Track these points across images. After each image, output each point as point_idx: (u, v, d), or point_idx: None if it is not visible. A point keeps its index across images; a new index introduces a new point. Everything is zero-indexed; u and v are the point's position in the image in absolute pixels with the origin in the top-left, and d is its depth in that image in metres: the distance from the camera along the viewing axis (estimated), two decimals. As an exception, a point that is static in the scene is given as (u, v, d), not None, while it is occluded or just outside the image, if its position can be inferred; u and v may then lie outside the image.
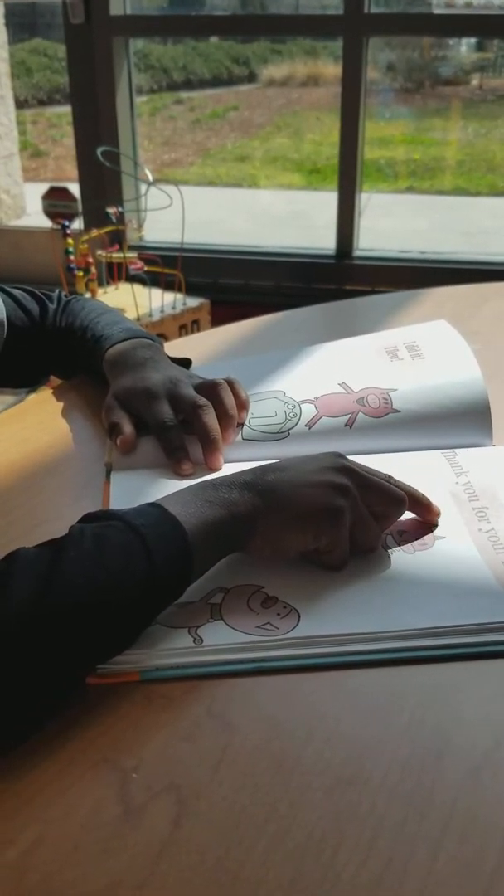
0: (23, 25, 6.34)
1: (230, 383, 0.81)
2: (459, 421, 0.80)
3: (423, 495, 0.69)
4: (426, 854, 0.43)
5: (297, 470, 0.65)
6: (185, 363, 0.91)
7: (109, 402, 0.83)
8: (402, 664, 0.55)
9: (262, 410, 0.82)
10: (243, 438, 0.80)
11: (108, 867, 0.42)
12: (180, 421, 0.79)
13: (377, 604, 0.61)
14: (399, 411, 0.80)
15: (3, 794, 0.46)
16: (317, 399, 0.82)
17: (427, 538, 0.68)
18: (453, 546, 0.67)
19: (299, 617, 0.59)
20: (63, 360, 0.96)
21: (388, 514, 0.66)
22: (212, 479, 0.63)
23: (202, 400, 0.78)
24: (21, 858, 0.43)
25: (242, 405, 0.81)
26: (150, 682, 0.54)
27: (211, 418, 0.77)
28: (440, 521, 0.69)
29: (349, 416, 0.80)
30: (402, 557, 0.66)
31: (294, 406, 0.82)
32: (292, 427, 0.80)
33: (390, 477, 0.68)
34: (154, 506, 0.59)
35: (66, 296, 1.01)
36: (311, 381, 0.85)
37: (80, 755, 0.49)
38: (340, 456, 0.67)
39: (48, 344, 0.95)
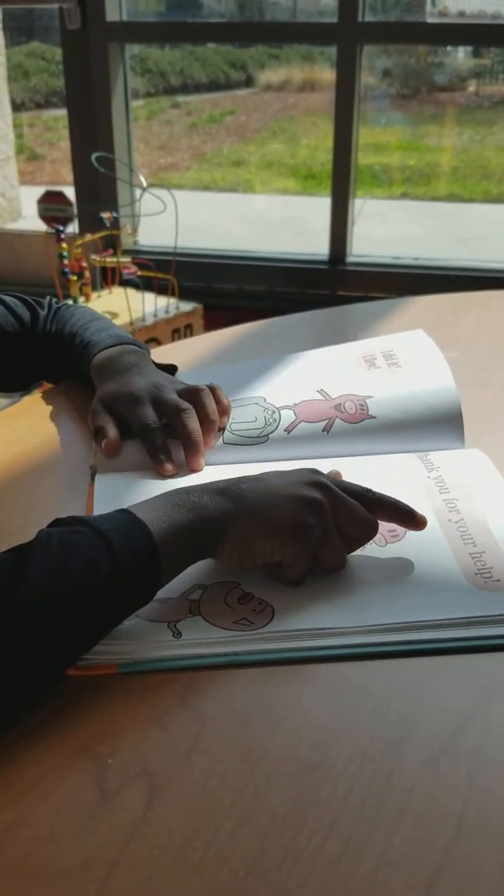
0: (20, 29, 6.36)
1: (213, 389, 0.84)
2: (433, 426, 0.83)
3: (407, 506, 0.68)
4: (382, 836, 0.45)
5: (272, 481, 0.66)
6: (171, 369, 0.93)
7: (95, 407, 0.85)
8: (369, 658, 0.58)
9: (242, 415, 0.85)
10: (224, 442, 0.82)
11: (83, 847, 0.45)
12: (163, 425, 0.81)
13: (349, 599, 0.64)
14: (375, 417, 0.83)
15: (-16, 778, 0.49)
16: (296, 405, 0.85)
17: (398, 529, 0.70)
18: (423, 537, 0.69)
19: (273, 612, 0.62)
20: (53, 365, 0.99)
21: (360, 536, 0.67)
22: (185, 486, 0.65)
23: (185, 404, 0.81)
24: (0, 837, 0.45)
25: (224, 410, 0.84)
26: (128, 675, 0.56)
27: (193, 421, 0.80)
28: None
29: (327, 421, 0.83)
30: (374, 551, 0.68)
31: (273, 412, 0.84)
32: (272, 432, 0.83)
33: (369, 490, 0.68)
34: (123, 511, 0.60)
35: (56, 302, 1.04)
36: (291, 388, 0.88)
37: (59, 742, 0.51)
38: (318, 472, 0.68)
39: (39, 349, 0.98)
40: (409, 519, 0.68)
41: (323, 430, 0.82)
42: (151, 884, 0.43)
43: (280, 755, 0.51)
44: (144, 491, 0.76)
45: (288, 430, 0.83)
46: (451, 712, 0.54)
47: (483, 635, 0.60)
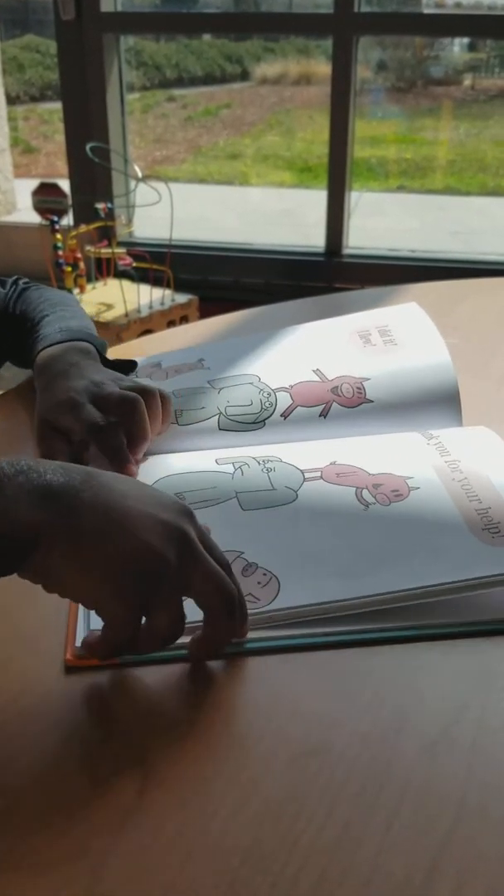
0: (15, 22, 6.33)
1: (162, 395, 0.78)
2: (430, 407, 0.82)
3: (243, 610, 0.56)
4: (382, 822, 0.44)
5: (133, 489, 0.54)
6: (128, 366, 0.88)
7: (38, 429, 0.77)
8: (372, 644, 0.57)
9: (237, 398, 0.83)
10: (220, 428, 0.81)
11: (74, 834, 0.44)
12: (114, 422, 0.74)
13: (356, 566, 0.62)
14: (372, 401, 0.82)
15: (-26, 765, 0.48)
16: (291, 387, 0.84)
17: (402, 488, 0.69)
18: (428, 495, 0.68)
19: (279, 586, 0.60)
20: (17, 349, 0.92)
21: (210, 606, 0.53)
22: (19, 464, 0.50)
23: (130, 394, 0.75)
24: (-11, 825, 0.44)
25: (168, 415, 0.79)
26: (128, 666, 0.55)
27: (141, 411, 0.74)
28: (414, 472, 0.71)
29: (324, 405, 0.82)
30: (379, 511, 0.67)
31: (269, 394, 0.83)
32: (268, 417, 0.81)
33: (230, 567, 0.56)
34: None
35: (25, 283, 0.98)
36: (286, 368, 0.87)
37: (52, 728, 0.50)
38: (188, 510, 0.55)
39: (2, 330, 0.93)
40: (234, 624, 0.55)
41: (320, 415, 0.81)
42: (145, 872, 0.42)
43: (275, 741, 0.49)
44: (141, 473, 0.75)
45: (284, 415, 0.81)
46: (449, 699, 0.53)
47: (486, 619, 0.59)
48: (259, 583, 0.60)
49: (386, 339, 0.90)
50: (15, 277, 0.98)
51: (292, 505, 0.68)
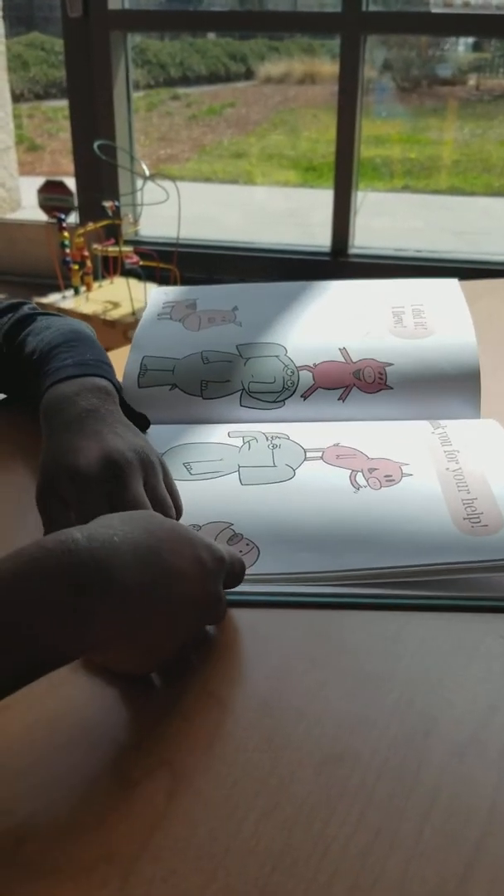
0: (20, 19, 6.33)
1: (178, 507, 0.66)
2: (448, 400, 0.83)
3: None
4: (413, 828, 0.44)
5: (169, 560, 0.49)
6: (142, 423, 0.77)
7: (39, 488, 0.63)
8: (347, 608, 0.57)
9: (261, 374, 0.84)
10: (241, 405, 0.82)
11: (104, 839, 0.44)
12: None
13: (336, 543, 0.64)
14: (392, 388, 0.83)
15: (1, 768, 0.47)
16: (315, 366, 0.84)
17: (395, 474, 0.71)
18: (418, 482, 0.70)
19: (258, 555, 0.63)
20: (17, 385, 0.82)
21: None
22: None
23: (148, 509, 0.60)
24: (19, 828, 0.44)
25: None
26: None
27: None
28: (411, 459, 0.73)
29: (343, 389, 0.83)
30: (368, 494, 0.69)
31: (293, 372, 0.84)
32: (288, 396, 0.82)
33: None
34: None
35: (31, 308, 0.86)
36: (313, 343, 0.87)
37: (78, 732, 0.50)
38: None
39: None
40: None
41: (339, 399, 0.82)
42: (175, 877, 0.42)
43: (304, 745, 0.49)
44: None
45: (304, 395, 0.82)
46: (476, 703, 0.52)
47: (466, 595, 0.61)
48: (241, 551, 0.63)
49: (417, 322, 0.89)
50: (13, 302, 0.86)
51: (288, 483, 0.71)
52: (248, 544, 0.64)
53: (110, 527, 0.48)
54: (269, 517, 0.67)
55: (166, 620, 0.49)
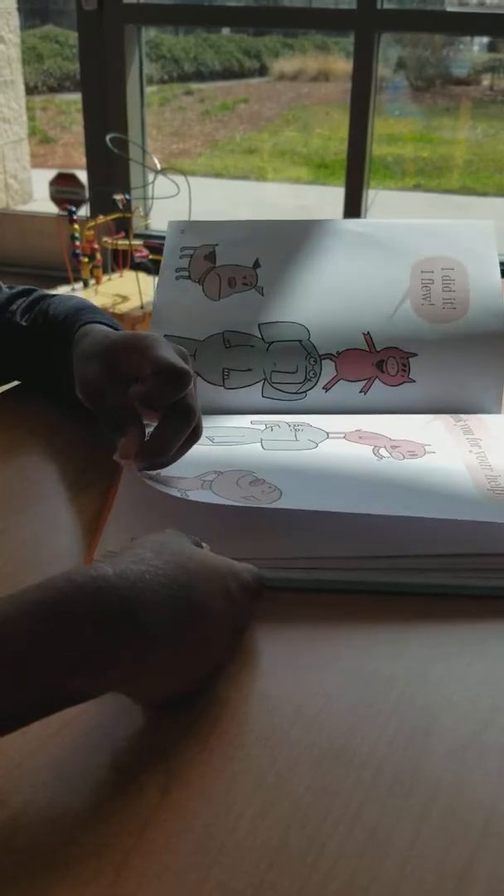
0: (34, 11, 6.33)
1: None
2: (470, 395, 0.83)
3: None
4: (410, 827, 0.44)
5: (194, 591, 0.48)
6: None
7: (91, 382, 0.68)
8: (366, 592, 0.56)
9: (284, 362, 0.83)
10: (263, 396, 0.82)
11: (97, 831, 0.43)
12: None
13: (358, 489, 0.66)
14: (414, 381, 0.83)
15: (-5, 758, 0.47)
16: (338, 355, 0.83)
17: (418, 451, 0.72)
18: (442, 458, 0.71)
19: (281, 494, 0.64)
20: (31, 357, 0.85)
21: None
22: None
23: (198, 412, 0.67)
24: (11, 820, 0.43)
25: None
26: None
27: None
28: (432, 440, 0.74)
29: (366, 381, 0.83)
30: (391, 463, 0.70)
31: (315, 361, 0.83)
32: (310, 388, 0.82)
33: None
34: None
35: (39, 294, 0.90)
36: (337, 326, 0.85)
37: (73, 721, 0.49)
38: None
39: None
40: None
41: (360, 392, 0.82)
42: (168, 872, 0.41)
43: (302, 741, 0.49)
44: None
45: (326, 387, 0.82)
46: (478, 702, 0.52)
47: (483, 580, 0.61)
48: (263, 492, 0.64)
49: (446, 300, 0.85)
50: (25, 287, 0.90)
51: (311, 451, 0.72)
52: (270, 486, 0.64)
53: (142, 561, 0.46)
54: (292, 468, 0.68)
55: (188, 660, 0.48)
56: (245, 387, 0.82)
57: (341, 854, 0.42)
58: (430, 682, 0.53)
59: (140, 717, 0.50)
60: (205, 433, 0.71)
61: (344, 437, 0.75)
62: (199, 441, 0.69)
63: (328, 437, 0.75)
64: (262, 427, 0.77)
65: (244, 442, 0.74)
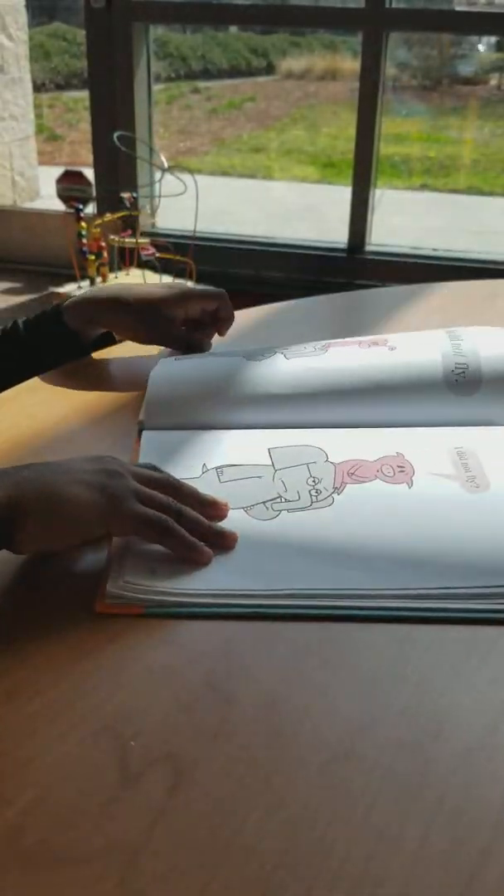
0: (42, 9, 6.33)
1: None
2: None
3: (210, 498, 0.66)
4: (418, 832, 0.43)
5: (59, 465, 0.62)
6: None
7: (145, 322, 0.93)
8: (402, 639, 0.56)
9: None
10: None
11: (105, 831, 0.43)
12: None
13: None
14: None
15: (2, 757, 0.47)
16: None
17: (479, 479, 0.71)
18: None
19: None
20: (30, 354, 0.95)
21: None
22: None
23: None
24: (19, 819, 0.43)
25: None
26: (150, 652, 0.54)
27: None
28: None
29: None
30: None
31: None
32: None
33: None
34: None
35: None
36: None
37: (81, 721, 0.49)
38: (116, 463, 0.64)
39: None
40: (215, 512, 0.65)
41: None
42: (175, 873, 0.41)
43: (309, 743, 0.48)
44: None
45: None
46: (486, 705, 0.51)
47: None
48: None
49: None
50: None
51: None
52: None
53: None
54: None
55: (54, 532, 0.60)
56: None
57: (349, 856, 0.42)
58: (439, 685, 0.53)
59: (147, 717, 0.50)
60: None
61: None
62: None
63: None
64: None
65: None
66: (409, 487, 0.69)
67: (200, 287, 0.93)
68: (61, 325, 0.93)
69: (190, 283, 2.54)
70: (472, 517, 0.66)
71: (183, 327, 0.96)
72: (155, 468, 0.67)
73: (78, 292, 2.59)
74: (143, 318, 0.92)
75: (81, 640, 0.56)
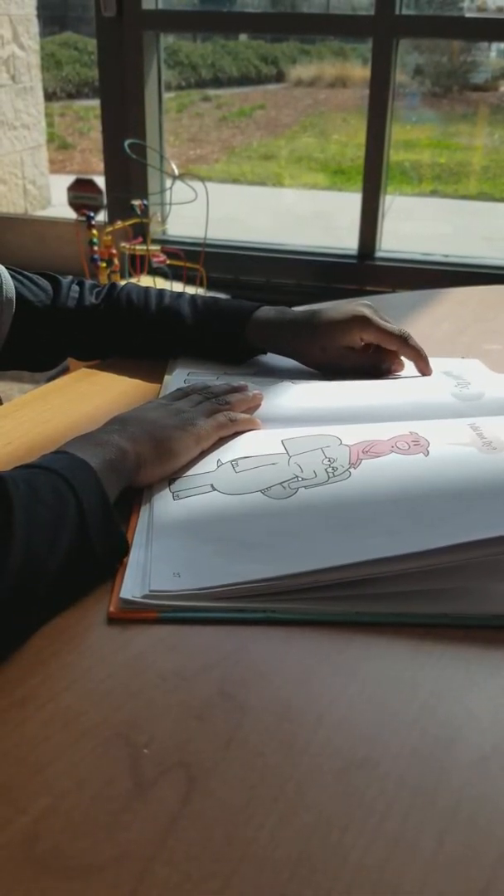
0: (53, 18, 6.37)
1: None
2: None
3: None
4: (433, 839, 0.43)
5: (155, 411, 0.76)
6: None
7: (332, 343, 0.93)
8: (413, 646, 0.56)
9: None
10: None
11: (118, 839, 0.43)
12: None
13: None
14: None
15: (16, 764, 0.47)
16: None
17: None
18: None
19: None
20: (108, 338, 0.99)
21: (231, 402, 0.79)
22: (92, 431, 0.71)
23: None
24: (32, 827, 0.43)
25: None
26: (163, 661, 0.54)
27: None
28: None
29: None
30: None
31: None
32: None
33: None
34: (61, 453, 0.66)
35: (93, 283, 1.03)
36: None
37: (94, 729, 0.49)
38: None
39: (71, 324, 0.96)
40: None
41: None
42: (189, 881, 0.41)
43: (324, 750, 0.48)
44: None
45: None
46: (500, 713, 0.51)
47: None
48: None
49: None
50: (72, 279, 1.01)
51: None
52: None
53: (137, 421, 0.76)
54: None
55: (164, 464, 0.72)
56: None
57: (363, 864, 0.42)
58: (452, 692, 0.53)
59: (160, 724, 0.50)
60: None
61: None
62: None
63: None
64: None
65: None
66: (426, 456, 0.70)
67: (385, 324, 0.92)
68: (241, 339, 0.96)
69: (201, 290, 2.54)
70: (491, 475, 0.67)
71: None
72: (180, 390, 0.83)
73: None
74: (323, 345, 0.94)
75: (94, 647, 0.56)
